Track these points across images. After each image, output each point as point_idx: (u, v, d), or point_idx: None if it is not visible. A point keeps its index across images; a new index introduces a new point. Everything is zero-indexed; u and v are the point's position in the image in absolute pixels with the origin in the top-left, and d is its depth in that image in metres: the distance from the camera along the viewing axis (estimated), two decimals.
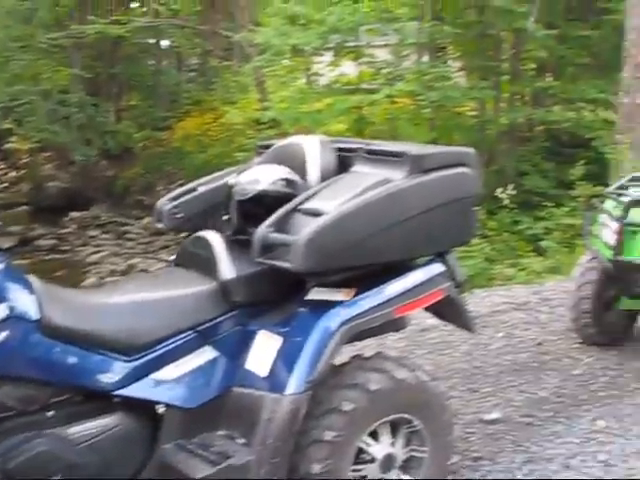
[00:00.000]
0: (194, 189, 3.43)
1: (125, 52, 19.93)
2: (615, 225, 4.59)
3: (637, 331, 5.15)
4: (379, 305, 2.79)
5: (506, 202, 8.97)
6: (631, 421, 4.09)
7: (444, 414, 3.03)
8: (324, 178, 3.02)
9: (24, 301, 2.53)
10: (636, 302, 4.66)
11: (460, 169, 2.97)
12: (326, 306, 2.76)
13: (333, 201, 2.77)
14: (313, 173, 3.04)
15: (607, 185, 6.32)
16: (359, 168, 3.03)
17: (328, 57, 13.62)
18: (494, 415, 4.10)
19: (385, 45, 14.33)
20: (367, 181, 2.83)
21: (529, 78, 13.03)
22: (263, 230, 2.74)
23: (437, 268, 2.96)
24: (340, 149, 3.15)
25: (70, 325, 2.58)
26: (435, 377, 4.44)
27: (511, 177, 10.71)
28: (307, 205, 2.83)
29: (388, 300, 2.81)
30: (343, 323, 2.71)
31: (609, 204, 4.86)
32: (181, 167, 16.89)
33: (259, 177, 3.00)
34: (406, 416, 2.89)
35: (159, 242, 14.59)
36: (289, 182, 2.98)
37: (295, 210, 2.83)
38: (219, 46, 20.09)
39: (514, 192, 9.01)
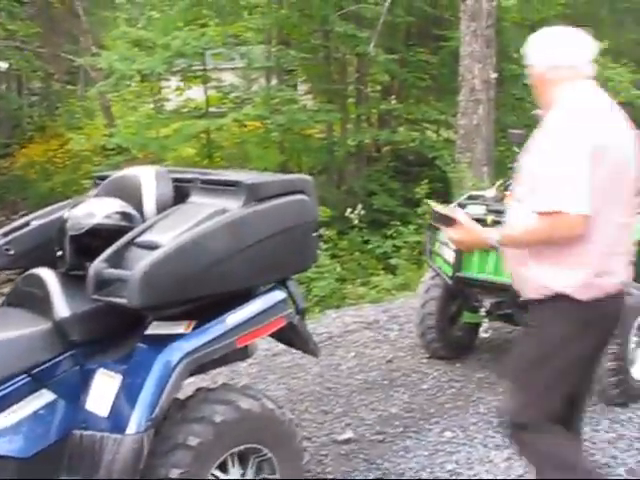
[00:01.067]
0: (27, 224, 3.29)
1: None
2: None
3: (479, 343, 5.38)
4: (220, 336, 2.76)
5: (356, 222, 9.17)
6: (475, 429, 4.27)
7: (293, 440, 3.04)
8: (160, 210, 2.98)
9: None
10: (476, 315, 4.86)
11: (297, 196, 3.00)
12: (166, 340, 2.71)
13: (169, 233, 2.73)
14: (149, 205, 2.99)
15: (450, 202, 6.59)
16: (196, 199, 3.01)
17: (177, 81, 13.49)
18: (347, 435, 4.16)
19: (233, 69, 14.39)
20: (203, 212, 2.81)
21: (374, 100, 13.45)
22: (97, 265, 2.66)
23: (278, 295, 2.98)
24: (176, 179, 3.12)
25: None
26: (282, 404, 4.48)
27: (360, 197, 10.97)
28: (143, 238, 2.78)
29: (229, 330, 2.79)
30: (184, 356, 2.67)
31: None
32: (24, 196, 16.15)
33: (93, 210, 2.92)
34: (254, 446, 2.88)
35: (2, 276, 13.81)
36: (124, 215, 2.92)
37: (131, 243, 2.77)
38: (62, 70, 19.42)
39: (363, 212, 9.23)
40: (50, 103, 20.72)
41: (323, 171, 12.30)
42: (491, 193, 5.21)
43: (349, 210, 9.17)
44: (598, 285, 2.65)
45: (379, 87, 14.41)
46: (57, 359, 2.74)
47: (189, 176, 3.16)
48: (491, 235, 2.71)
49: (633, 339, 4.52)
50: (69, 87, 20.37)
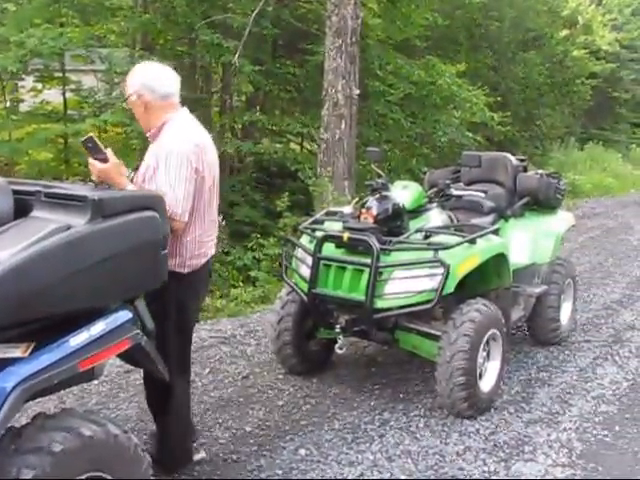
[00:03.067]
0: None
1: None
2: (310, 259, 4.80)
3: (335, 358, 5.42)
4: (61, 360, 2.61)
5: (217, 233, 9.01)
6: (329, 446, 4.29)
7: (139, 466, 2.91)
8: None
9: None
10: (332, 332, 4.88)
11: (145, 213, 2.90)
12: (0, 365, 2.53)
13: (7, 250, 2.56)
14: None
15: (312, 215, 6.62)
16: (39, 213, 2.85)
17: (33, 81, 12.84)
18: (199, 455, 4.06)
19: (96, 71, 13.89)
20: (46, 228, 2.65)
21: (239, 111, 13.35)
22: None
23: (124, 316, 2.85)
24: (18, 192, 2.94)
25: None
26: (134, 423, 4.34)
27: (221, 208, 10.79)
28: None
29: (71, 353, 2.65)
30: (20, 382, 2.50)
31: (305, 239, 5.07)
32: None
33: None
34: (98, 474, 2.73)
35: None
36: None
37: None
38: None
39: (224, 223, 9.10)
40: None
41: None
42: (348, 210, 5.29)
43: None
44: (193, 264, 3.65)
45: (244, 98, 14.33)
46: None
47: (32, 189, 2.98)
48: (127, 185, 3.36)
49: (481, 354, 4.68)
50: None
